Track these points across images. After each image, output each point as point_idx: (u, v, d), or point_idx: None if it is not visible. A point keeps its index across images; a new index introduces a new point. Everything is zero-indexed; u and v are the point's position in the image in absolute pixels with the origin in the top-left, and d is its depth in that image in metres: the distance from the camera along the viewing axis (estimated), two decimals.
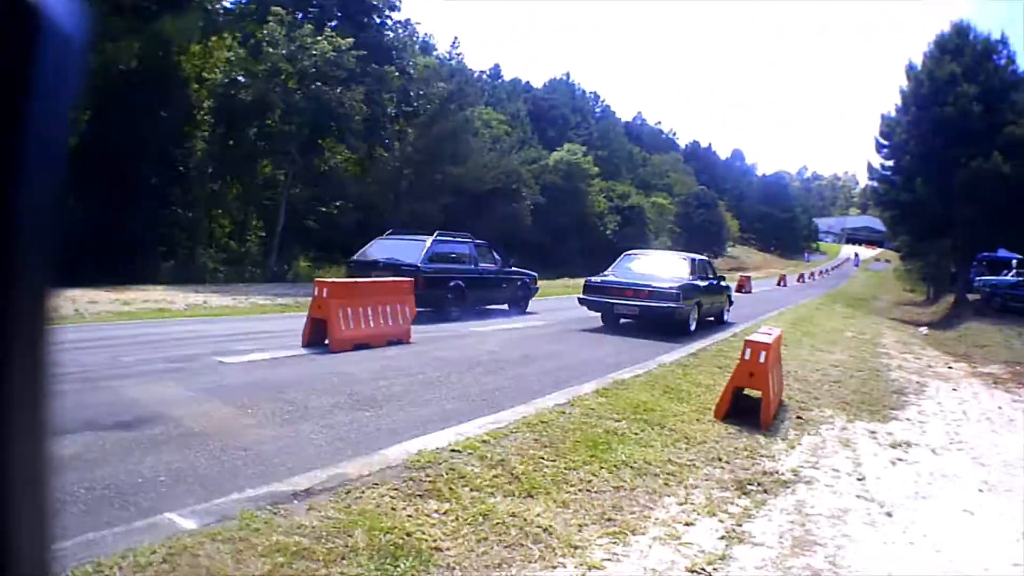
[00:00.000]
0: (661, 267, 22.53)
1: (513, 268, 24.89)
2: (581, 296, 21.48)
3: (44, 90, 0.94)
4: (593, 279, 21.74)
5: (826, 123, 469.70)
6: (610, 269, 22.57)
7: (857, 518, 7.67)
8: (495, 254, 24.10)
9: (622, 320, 21.44)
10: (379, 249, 21.60)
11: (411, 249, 20.55)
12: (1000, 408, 15.37)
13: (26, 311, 0.99)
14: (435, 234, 21.54)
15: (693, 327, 21.06)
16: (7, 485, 0.97)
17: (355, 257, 21.98)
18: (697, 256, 25.73)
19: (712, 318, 24.28)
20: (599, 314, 21.56)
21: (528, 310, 25.20)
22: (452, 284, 21.06)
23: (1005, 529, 7.93)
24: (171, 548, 4.94)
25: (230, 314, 19.87)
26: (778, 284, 65.82)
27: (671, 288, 20.07)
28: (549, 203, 70.49)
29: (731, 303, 27.15)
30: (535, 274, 26.69)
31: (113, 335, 14.16)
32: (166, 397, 9.25)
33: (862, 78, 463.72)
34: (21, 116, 0.93)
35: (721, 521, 7.07)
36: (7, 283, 0.95)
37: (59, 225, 1.02)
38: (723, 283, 26.18)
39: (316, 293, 14.25)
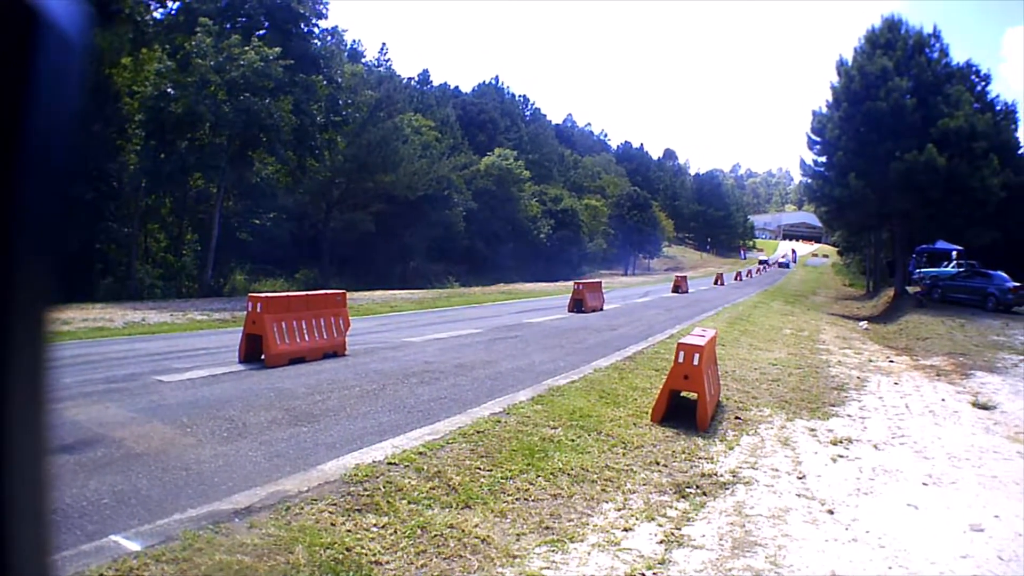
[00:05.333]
0: (782, 255, 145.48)
1: None
2: (777, 264, 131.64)
3: (44, 91, 1.01)
4: (778, 260, 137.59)
5: (758, 119, 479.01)
6: (771, 258, 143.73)
7: (798, 517, 7.90)
8: None
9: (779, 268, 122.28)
10: None
11: None
12: (943, 400, 15.82)
13: (27, 322, 1.08)
14: None
15: (792, 267, 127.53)
16: (7, 493, 1.04)
17: None
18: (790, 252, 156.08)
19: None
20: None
21: (461, 318, 25.38)
22: None
23: (951, 522, 8.20)
24: (117, 570, 5.07)
25: (168, 331, 19.76)
26: (715, 283, 66.31)
27: (790, 260, 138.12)
28: (482, 209, 70.83)
29: (795, 261, 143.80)
30: None
31: (52, 356, 14.00)
32: (107, 418, 9.27)
33: (793, 74, 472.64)
34: (22, 118, 0.99)
35: (660, 525, 7.26)
36: (7, 294, 1.03)
37: (60, 235, 1.12)
38: (793, 260, 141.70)
39: (250, 308, 14.11)
